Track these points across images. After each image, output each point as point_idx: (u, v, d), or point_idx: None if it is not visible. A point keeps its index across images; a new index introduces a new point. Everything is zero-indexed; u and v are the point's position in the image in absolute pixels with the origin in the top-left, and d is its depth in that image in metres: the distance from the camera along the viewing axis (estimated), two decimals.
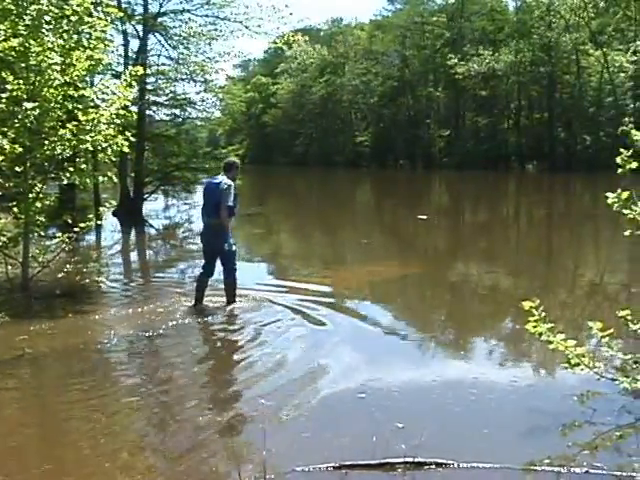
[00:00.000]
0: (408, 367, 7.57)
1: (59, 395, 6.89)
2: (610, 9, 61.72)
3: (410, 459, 5.02)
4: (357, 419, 6.05)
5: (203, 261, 10.88)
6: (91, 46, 10.88)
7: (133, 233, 22.55)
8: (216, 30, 24.97)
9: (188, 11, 25.19)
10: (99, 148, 10.99)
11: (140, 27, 25.15)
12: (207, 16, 25.23)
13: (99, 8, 11.40)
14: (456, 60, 64.43)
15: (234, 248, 10.51)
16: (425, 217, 22.56)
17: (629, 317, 6.32)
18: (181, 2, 25.33)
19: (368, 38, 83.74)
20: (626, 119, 6.91)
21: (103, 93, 11.23)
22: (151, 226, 23.97)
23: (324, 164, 72.94)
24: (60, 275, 11.56)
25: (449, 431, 5.80)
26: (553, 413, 6.14)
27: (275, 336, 8.93)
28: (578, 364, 6.23)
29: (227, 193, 10.22)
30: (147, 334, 9.00)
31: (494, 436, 5.68)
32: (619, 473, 4.93)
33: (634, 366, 6.49)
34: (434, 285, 12.36)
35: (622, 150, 6.30)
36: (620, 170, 6.34)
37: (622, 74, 58.80)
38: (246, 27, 24.47)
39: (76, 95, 10.92)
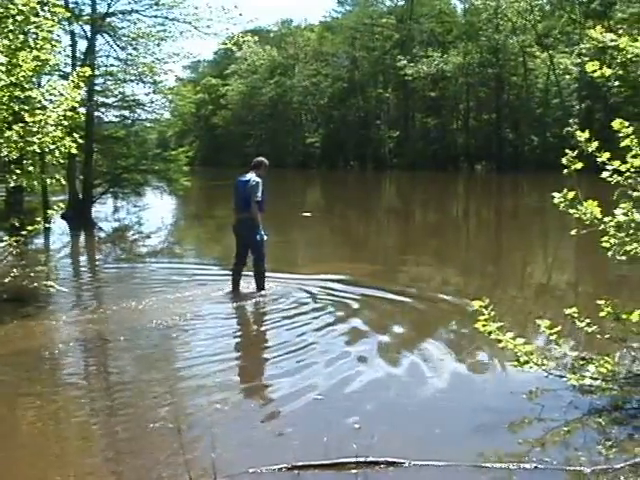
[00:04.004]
0: (364, 368, 7.60)
1: (6, 403, 6.79)
2: (556, 12, 62.80)
3: (362, 458, 5.04)
4: (311, 420, 6.08)
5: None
6: (38, 46, 10.71)
7: (82, 236, 22.31)
8: (165, 31, 24.75)
9: (137, 12, 24.92)
10: (47, 150, 10.84)
11: (88, 27, 24.84)
12: (156, 17, 24.98)
13: (46, 8, 11.22)
14: (405, 61, 64.77)
15: (265, 238, 11.29)
16: (309, 214, 22.46)
17: (576, 315, 6.43)
18: (130, 3, 25.04)
19: (318, 39, 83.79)
20: (571, 120, 7.03)
21: (50, 94, 11.08)
22: (100, 229, 23.72)
23: (275, 165, 71.52)
24: (7, 279, 11.35)
25: (401, 431, 5.84)
26: (503, 410, 6.22)
27: (238, 331, 8.98)
28: (527, 362, 6.32)
29: (256, 189, 11.12)
30: (98, 338, 8.92)
31: (445, 435, 5.74)
32: (567, 467, 5.01)
33: (581, 363, 6.61)
34: (384, 283, 12.38)
35: (567, 151, 6.40)
36: (566, 170, 6.45)
37: (567, 76, 59.79)
38: (195, 28, 24.30)
39: (22, 96, 10.75)
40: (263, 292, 11.35)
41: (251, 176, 11.32)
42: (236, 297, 11.25)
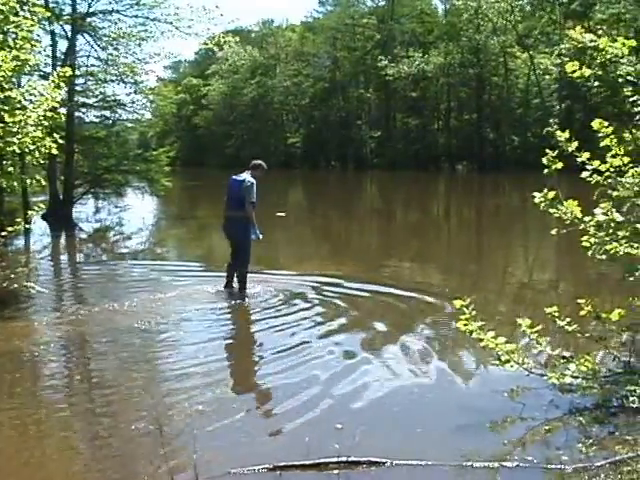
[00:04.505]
0: (349, 368, 7.60)
1: None
2: (536, 13, 63.00)
3: (344, 458, 5.05)
4: (293, 420, 6.08)
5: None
6: (17, 46, 10.64)
7: (63, 237, 22.17)
8: (146, 31, 24.68)
9: (117, 11, 24.81)
10: (27, 150, 10.77)
11: (68, 27, 24.68)
12: (137, 17, 24.91)
13: (25, 7, 11.16)
14: (386, 62, 64.87)
15: (261, 237, 11.37)
16: (283, 214, 22.34)
17: (556, 313, 6.46)
18: (110, 2, 24.93)
19: (299, 39, 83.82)
20: (552, 120, 7.07)
21: (30, 94, 11.00)
22: (81, 229, 23.60)
23: None
24: None
25: (383, 431, 5.85)
26: (484, 409, 6.25)
27: (216, 335, 8.98)
28: (508, 361, 6.36)
29: (250, 190, 11.16)
30: (80, 339, 8.88)
31: (428, 434, 5.76)
32: (548, 466, 5.04)
33: (562, 361, 6.64)
34: (366, 284, 12.39)
35: (548, 151, 6.45)
36: (546, 170, 6.49)
37: (548, 76, 60.27)
38: (176, 28, 24.26)
39: (2, 96, 10.65)
40: (246, 292, 11.34)
41: (246, 176, 11.34)
42: (219, 296, 11.25)
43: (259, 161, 11.82)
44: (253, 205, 11.20)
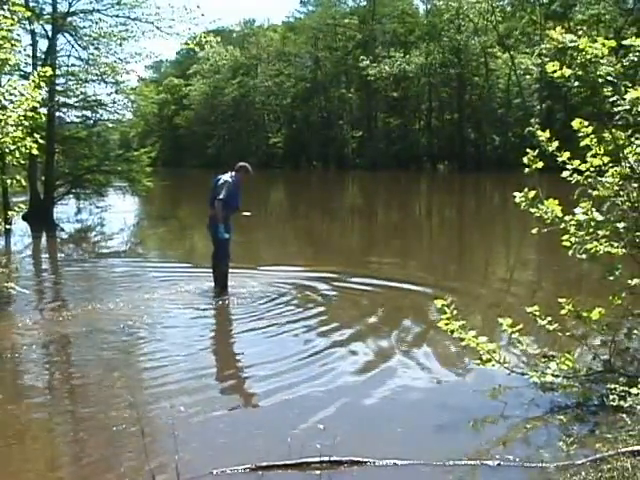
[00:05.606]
0: (330, 367, 7.60)
1: None
2: (517, 13, 63.37)
3: (326, 458, 5.05)
4: (275, 421, 6.07)
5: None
6: None
7: (44, 237, 22.05)
8: (127, 31, 24.60)
9: (98, 11, 24.68)
10: (7, 150, 10.70)
11: (49, 27, 24.55)
12: (118, 16, 24.79)
13: (5, 6, 11.08)
14: (368, 62, 64.96)
15: (227, 236, 11.38)
16: (249, 214, 22.38)
17: (537, 313, 6.49)
18: (91, 2, 24.79)
19: (281, 40, 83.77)
20: (533, 120, 7.10)
21: (10, 94, 10.92)
22: (62, 230, 23.46)
23: None
24: None
25: (365, 430, 5.86)
26: (466, 408, 6.27)
27: (196, 338, 8.95)
28: (489, 360, 6.38)
29: (221, 188, 11.29)
30: (61, 340, 8.84)
31: (410, 434, 5.76)
32: (530, 464, 5.06)
33: (543, 360, 6.67)
34: (347, 283, 12.41)
35: (529, 150, 6.48)
36: (527, 170, 6.52)
37: (528, 76, 60.53)
38: (157, 28, 24.20)
39: None
40: (228, 291, 11.36)
41: (224, 176, 11.48)
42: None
43: (244, 163, 11.89)
44: (224, 203, 11.21)
